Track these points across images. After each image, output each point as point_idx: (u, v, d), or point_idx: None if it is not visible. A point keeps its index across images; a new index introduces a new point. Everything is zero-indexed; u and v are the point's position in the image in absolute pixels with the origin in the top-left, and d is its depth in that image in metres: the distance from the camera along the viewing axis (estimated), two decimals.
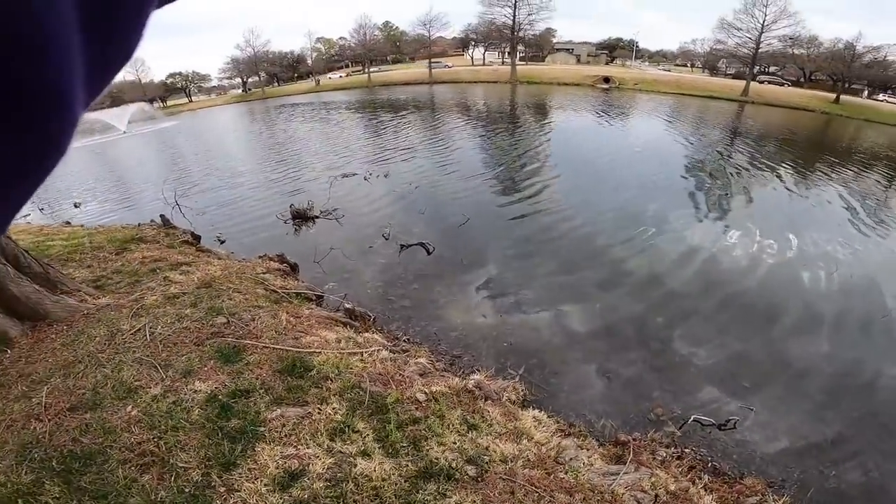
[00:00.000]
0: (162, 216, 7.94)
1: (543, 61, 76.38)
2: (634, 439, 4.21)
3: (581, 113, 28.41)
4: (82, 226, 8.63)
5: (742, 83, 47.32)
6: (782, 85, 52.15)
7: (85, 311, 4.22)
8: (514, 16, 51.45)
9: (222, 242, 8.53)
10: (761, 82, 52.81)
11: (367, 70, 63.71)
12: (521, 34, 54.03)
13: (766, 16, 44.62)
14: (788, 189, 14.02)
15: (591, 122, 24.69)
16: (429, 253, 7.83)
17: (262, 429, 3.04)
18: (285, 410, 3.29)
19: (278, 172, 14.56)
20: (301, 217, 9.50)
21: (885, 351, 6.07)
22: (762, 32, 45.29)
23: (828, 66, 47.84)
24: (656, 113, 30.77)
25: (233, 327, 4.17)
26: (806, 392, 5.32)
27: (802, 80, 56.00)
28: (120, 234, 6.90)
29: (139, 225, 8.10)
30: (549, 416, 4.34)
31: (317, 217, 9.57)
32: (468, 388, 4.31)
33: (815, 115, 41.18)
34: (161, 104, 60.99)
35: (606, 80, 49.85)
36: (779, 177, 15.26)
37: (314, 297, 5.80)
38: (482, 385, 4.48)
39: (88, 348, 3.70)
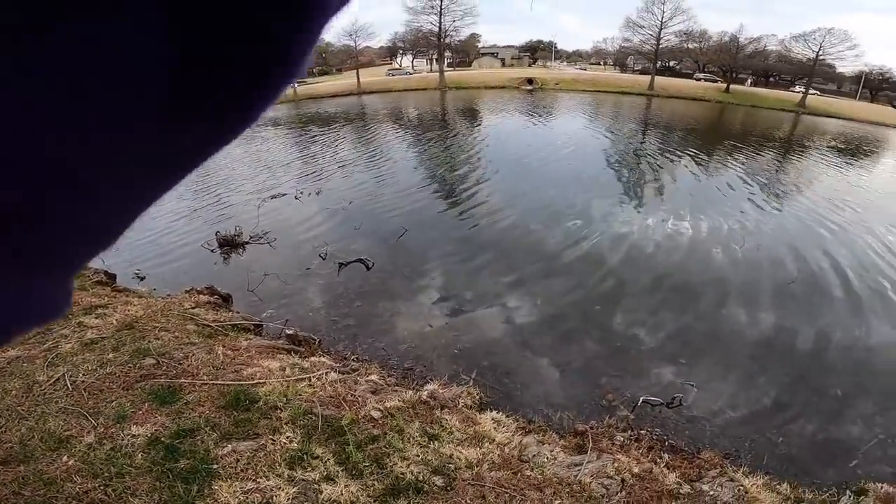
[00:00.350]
0: None
1: (470, 66, 78.51)
2: (592, 427, 4.37)
3: (510, 115, 29.52)
4: None
5: (648, 78, 51.88)
6: (715, 81, 57.25)
7: None
8: (440, 23, 52.19)
9: (142, 279, 7.82)
10: (698, 80, 57.80)
11: (292, 84, 61.66)
12: (447, 41, 55.01)
13: (664, 13, 49.53)
14: (695, 173, 15.56)
15: (520, 123, 25.72)
16: (368, 268, 7.69)
17: (215, 466, 2.95)
18: (237, 445, 3.19)
19: (201, 201, 13.62)
20: (229, 244, 8.94)
21: (797, 314, 6.90)
22: (661, 29, 50.20)
23: (717, 58, 53.74)
24: (578, 111, 32.82)
25: (164, 368, 3.94)
26: (737, 362, 5.83)
27: (698, 72, 62.43)
28: None
29: None
30: (507, 416, 4.41)
31: (246, 243, 9.06)
32: (423, 399, 4.30)
33: (710, 104, 46.16)
34: None
35: (530, 81, 52.21)
36: (687, 163, 16.89)
37: (252, 327, 5.52)
38: (437, 394, 4.49)
39: (5, 402, 3.44)
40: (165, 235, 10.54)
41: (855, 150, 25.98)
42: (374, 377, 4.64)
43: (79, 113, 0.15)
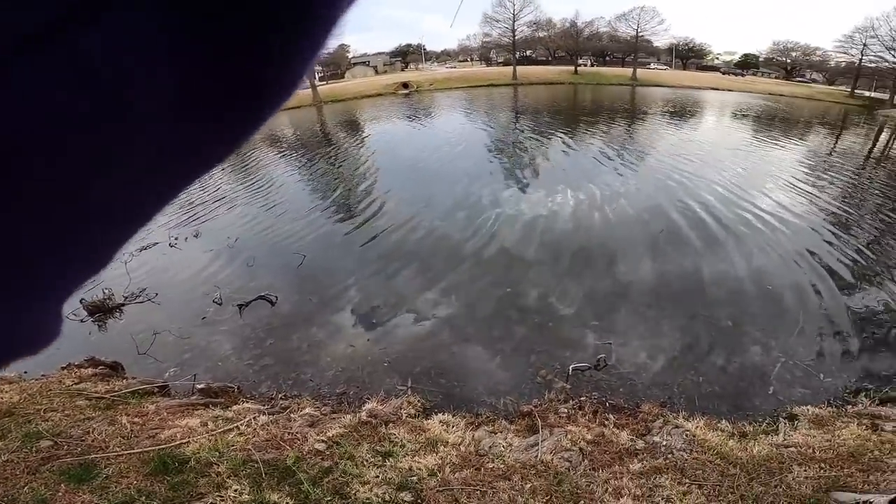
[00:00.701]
0: None
1: (343, 77, 77.18)
2: (536, 406, 4.58)
3: (392, 121, 29.78)
4: None
5: (511, 69, 56.43)
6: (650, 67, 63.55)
7: None
8: None
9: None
10: (591, 64, 63.81)
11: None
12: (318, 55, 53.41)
13: (514, 6, 54.28)
14: (565, 150, 17.39)
15: (404, 129, 26.09)
16: (273, 304, 7.25)
17: None
18: None
19: None
20: (100, 310, 7.78)
21: (673, 259, 8.09)
22: (514, 21, 54.96)
23: (563, 43, 60.44)
24: (456, 108, 34.25)
25: (66, 447, 3.48)
26: (640, 312, 6.54)
27: (550, 58, 69.32)
28: None
29: None
30: (453, 416, 4.53)
31: (122, 305, 7.98)
32: (364, 420, 4.27)
33: (565, 86, 51.86)
34: None
35: (405, 85, 53.08)
36: (557, 142, 18.82)
37: (157, 390, 4.99)
38: (377, 412, 4.47)
39: None
40: None
41: (682, 111, 31.28)
42: (308, 410, 4.48)
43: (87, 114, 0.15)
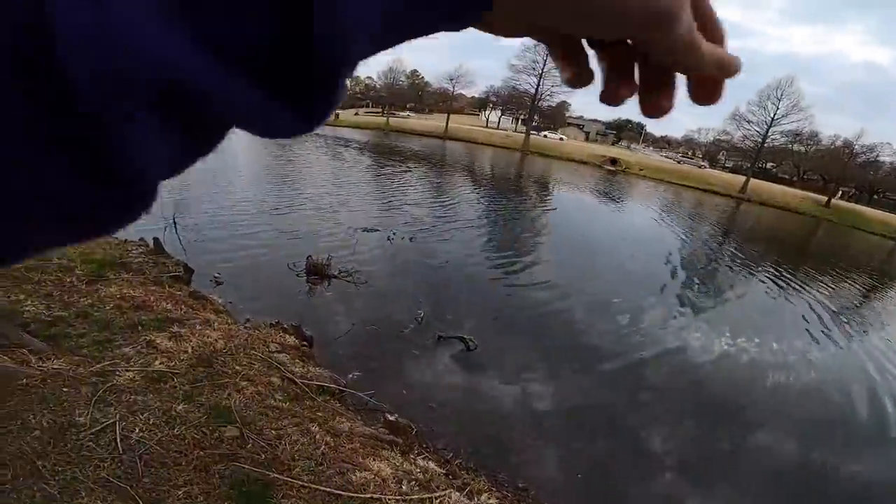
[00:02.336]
0: (156, 240, 7.34)
1: (555, 132, 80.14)
2: None
3: (584, 193, 29.31)
4: None
5: (740, 179, 48.66)
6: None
7: (24, 380, 2.99)
8: (539, 85, 52.59)
9: (219, 284, 7.49)
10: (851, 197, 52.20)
11: (386, 113, 66.17)
12: (539, 104, 55.57)
13: (777, 109, 46.09)
14: (770, 294, 14.11)
15: (591, 206, 25.41)
16: (469, 350, 6.78)
17: None
18: None
19: (287, 207, 14.41)
20: (317, 273, 8.25)
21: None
22: (770, 126, 46.77)
23: (823, 165, 49.35)
24: (656, 202, 31.43)
25: (251, 447, 3.00)
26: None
27: (795, 178, 58.25)
28: (99, 252, 6.14)
29: (125, 242, 7.84)
30: None
31: (334, 276, 8.37)
32: None
33: (805, 217, 42.48)
34: None
35: (614, 161, 51.80)
36: (764, 280, 15.49)
37: (337, 391, 4.77)
38: None
39: (22, 446, 2.43)
40: (250, 238, 11.04)
41: None
42: (486, 497, 3.80)
43: None
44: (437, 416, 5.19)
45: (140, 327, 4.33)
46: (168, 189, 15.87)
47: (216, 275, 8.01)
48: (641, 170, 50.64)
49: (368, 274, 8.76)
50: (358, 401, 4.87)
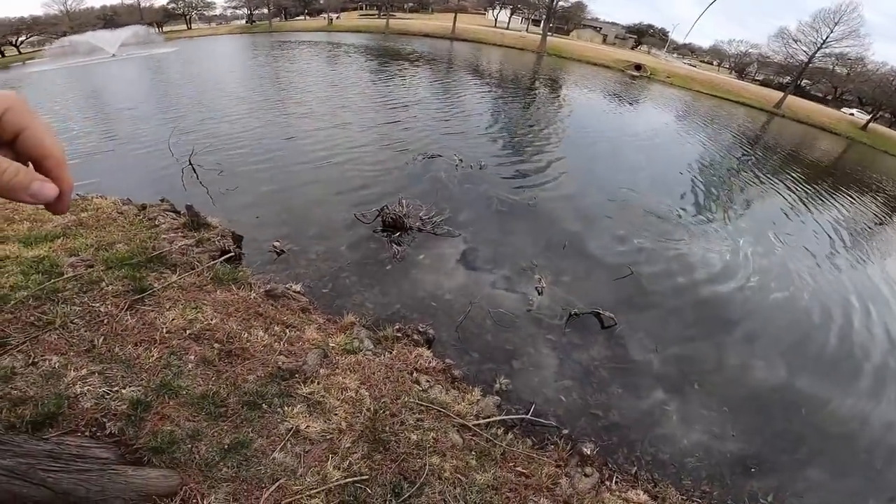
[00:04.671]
0: (189, 208, 5.17)
1: (567, 35, 72.07)
2: None
3: (599, 95, 25.76)
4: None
5: (774, 93, 45.31)
6: None
7: None
8: None
9: (279, 255, 5.63)
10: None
11: (385, 14, 58.21)
12: (556, 3, 49.90)
13: (831, 32, 41.60)
14: (786, 209, 12.09)
15: (603, 105, 22.27)
16: (604, 327, 5.34)
17: None
18: None
19: (324, 133, 11.56)
20: (395, 227, 6.32)
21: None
22: (819, 49, 42.53)
23: (865, 89, 46.19)
24: (677, 109, 28.14)
25: None
26: None
27: (830, 97, 54.49)
28: (120, 242, 4.31)
29: (144, 209, 5.58)
30: None
31: (418, 230, 6.39)
32: None
33: (839, 139, 39.90)
34: (158, 30, 54.98)
35: (638, 67, 46.91)
36: (782, 195, 13.38)
37: (512, 423, 3.80)
38: None
39: None
40: (285, 174, 8.54)
41: None
42: None
43: None
44: (601, 426, 4.03)
45: (260, 400, 2.86)
46: (167, 116, 12.85)
47: (275, 244, 5.93)
48: (668, 77, 46.05)
49: (452, 221, 6.88)
50: (536, 429, 3.74)
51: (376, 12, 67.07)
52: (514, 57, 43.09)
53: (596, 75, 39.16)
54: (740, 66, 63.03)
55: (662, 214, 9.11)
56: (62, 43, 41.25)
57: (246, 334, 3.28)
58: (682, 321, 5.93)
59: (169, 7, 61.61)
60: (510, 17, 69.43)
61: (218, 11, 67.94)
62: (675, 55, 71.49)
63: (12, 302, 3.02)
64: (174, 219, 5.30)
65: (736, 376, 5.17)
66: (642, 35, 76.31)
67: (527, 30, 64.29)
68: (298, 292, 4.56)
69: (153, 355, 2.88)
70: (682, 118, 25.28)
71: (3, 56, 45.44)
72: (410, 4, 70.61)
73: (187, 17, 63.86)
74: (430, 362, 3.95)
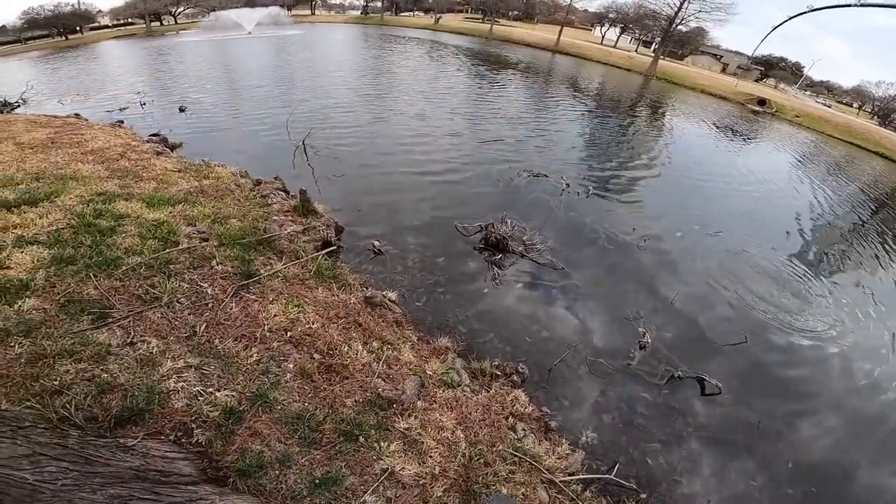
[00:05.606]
0: (302, 192, 5.17)
1: (681, 59, 67.18)
2: None
3: (709, 128, 23.13)
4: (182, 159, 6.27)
5: None
6: None
7: None
8: (680, 7, 44.10)
9: (377, 254, 5.48)
10: None
11: (490, 20, 58.61)
12: (675, 27, 46.47)
13: None
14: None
15: (713, 140, 19.74)
16: (704, 393, 4.57)
17: None
18: None
19: (420, 136, 11.51)
20: (497, 248, 5.94)
21: None
22: None
23: None
24: (803, 153, 24.18)
25: None
26: None
27: None
28: (234, 216, 4.36)
29: (259, 184, 5.66)
30: None
31: (520, 254, 5.95)
32: None
33: None
34: (288, 12, 60.60)
35: (762, 102, 42.14)
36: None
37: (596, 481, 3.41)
38: None
39: None
40: (389, 167, 8.42)
41: None
42: None
43: None
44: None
45: (357, 431, 2.58)
46: (287, 98, 13.58)
47: (374, 243, 5.71)
48: (797, 116, 40.77)
49: (557, 253, 6.29)
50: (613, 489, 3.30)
51: (481, 16, 67.77)
52: (620, 77, 40.96)
53: (708, 106, 35.80)
54: (886, 110, 54.38)
55: (784, 280, 7.65)
56: (212, 18, 46.82)
57: (346, 348, 2.97)
58: (810, 413, 4.76)
59: None
60: (619, 36, 66.33)
61: (338, 0, 73.99)
62: (807, 92, 63.63)
63: (123, 268, 2.95)
64: (284, 199, 5.27)
65: None
66: (771, 67, 68.93)
67: (636, 50, 60.92)
68: (394, 302, 4.23)
69: (252, 356, 2.63)
70: (824, 168, 21.91)
71: (162, 24, 52.32)
72: (515, 13, 70.35)
73: (312, 2, 69.54)
74: (526, 408, 3.57)
